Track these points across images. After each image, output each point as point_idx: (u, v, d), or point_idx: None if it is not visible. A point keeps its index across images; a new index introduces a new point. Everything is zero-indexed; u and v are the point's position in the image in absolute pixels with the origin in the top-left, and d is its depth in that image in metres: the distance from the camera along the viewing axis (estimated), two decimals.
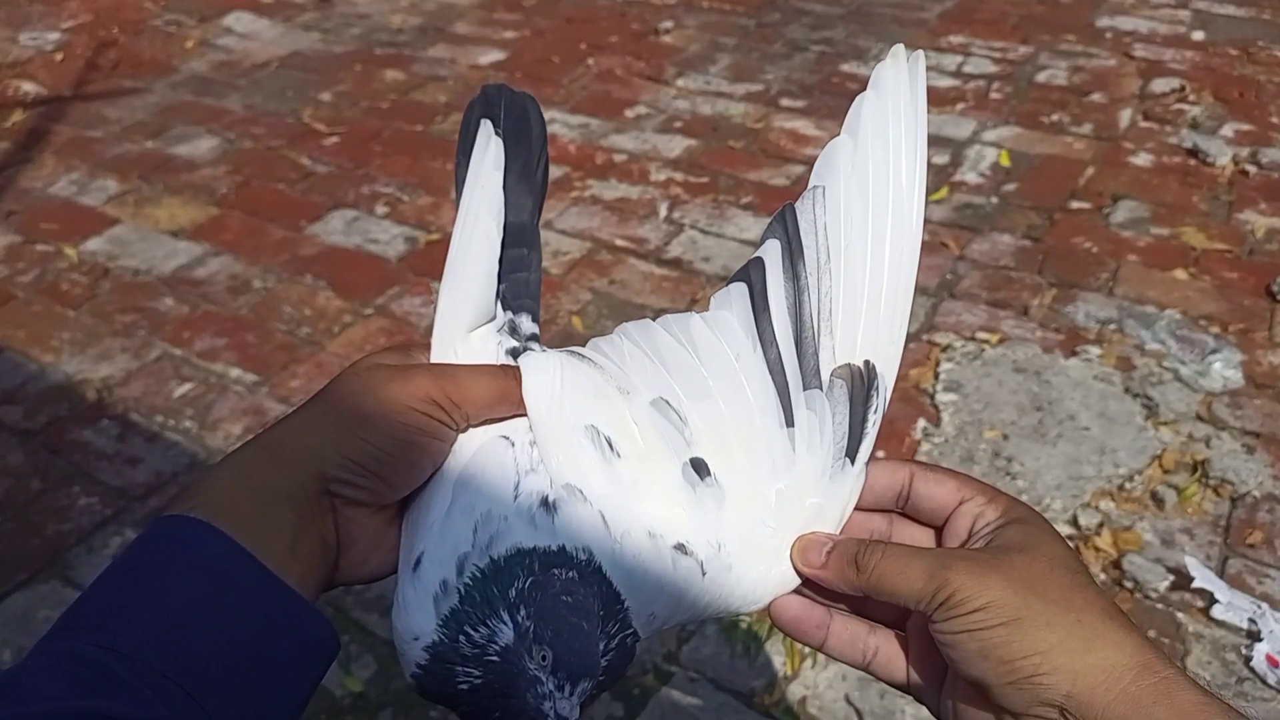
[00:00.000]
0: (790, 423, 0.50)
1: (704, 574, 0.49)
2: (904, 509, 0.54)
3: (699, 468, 0.50)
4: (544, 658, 0.44)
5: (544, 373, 0.52)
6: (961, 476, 0.53)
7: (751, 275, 0.53)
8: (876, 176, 0.54)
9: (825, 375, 0.51)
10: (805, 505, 0.50)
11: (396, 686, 1.45)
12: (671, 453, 0.50)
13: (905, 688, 0.53)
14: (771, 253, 0.53)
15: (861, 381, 0.52)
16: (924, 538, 0.54)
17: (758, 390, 0.51)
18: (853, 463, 0.51)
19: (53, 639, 0.41)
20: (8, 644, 1.51)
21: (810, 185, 0.54)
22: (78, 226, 2.51)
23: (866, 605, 0.53)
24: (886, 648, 0.52)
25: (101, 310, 2.22)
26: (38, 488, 1.77)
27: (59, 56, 3.45)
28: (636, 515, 0.49)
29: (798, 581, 0.51)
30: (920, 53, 0.57)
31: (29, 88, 3.24)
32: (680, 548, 0.49)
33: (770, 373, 0.51)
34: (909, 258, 0.54)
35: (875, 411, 0.52)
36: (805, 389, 0.51)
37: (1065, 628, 0.44)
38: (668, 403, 0.51)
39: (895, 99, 0.56)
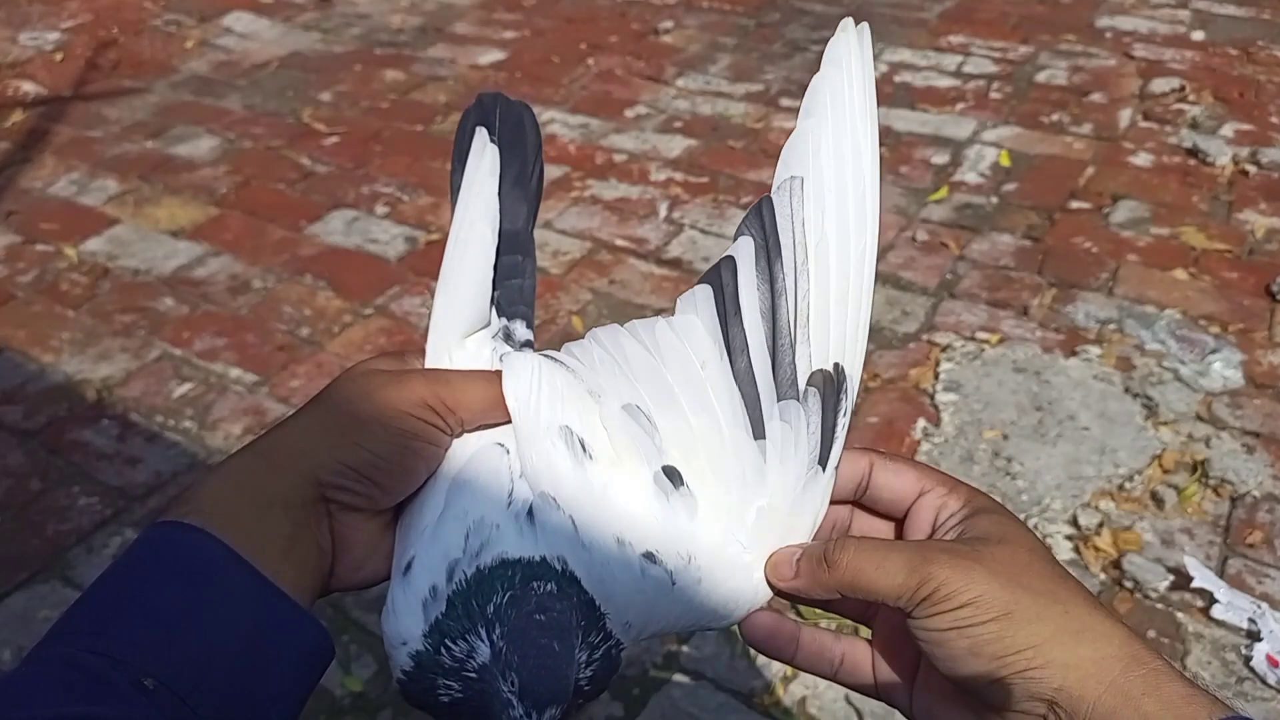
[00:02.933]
0: (761, 434, 0.49)
1: (673, 584, 0.48)
2: (861, 499, 0.53)
3: (672, 476, 0.49)
4: (513, 682, 0.44)
5: (521, 374, 0.51)
6: (921, 466, 0.52)
7: (722, 276, 0.51)
8: (843, 161, 0.52)
9: (802, 384, 0.49)
10: (778, 519, 0.49)
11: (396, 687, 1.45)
12: (643, 459, 0.49)
13: (874, 691, 0.52)
14: (744, 252, 0.51)
15: (832, 386, 0.50)
16: (883, 530, 0.53)
17: (724, 401, 0.49)
18: (824, 470, 0.49)
19: (47, 645, 0.41)
20: (8, 644, 1.51)
21: (787, 176, 0.52)
22: (78, 226, 2.51)
23: (833, 603, 0.52)
24: (853, 653, 0.51)
25: (101, 310, 2.22)
26: (38, 488, 1.77)
27: (59, 56, 3.45)
28: (605, 521, 0.48)
29: (769, 596, 0.50)
30: (865, 24, 0.54)
31: (29, 88, 3.24)
32: (649, 556, 0.48)
33: (739, 382, 0.49)
34: (871, 247, 0.52)
35: (844, 414, 0.50)
36: (780, 399, 0.49)
37: (1055, 620, 0.44)
38: (639, 408, 0.49)
39: (850, 74, 0.53)
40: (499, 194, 0.56)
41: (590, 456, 0.49)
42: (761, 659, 1.45)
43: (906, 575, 0.45)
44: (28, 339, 2.13)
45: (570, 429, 0.49)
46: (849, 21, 0.54)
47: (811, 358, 0.50)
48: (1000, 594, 0.44)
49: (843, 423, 0.50)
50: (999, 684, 0.44)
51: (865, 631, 0.54)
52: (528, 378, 0.51)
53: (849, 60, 0.53)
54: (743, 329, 0.50)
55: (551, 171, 2.66)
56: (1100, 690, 0.42)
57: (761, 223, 0.51)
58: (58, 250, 2.43)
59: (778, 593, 0.50)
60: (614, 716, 1.39)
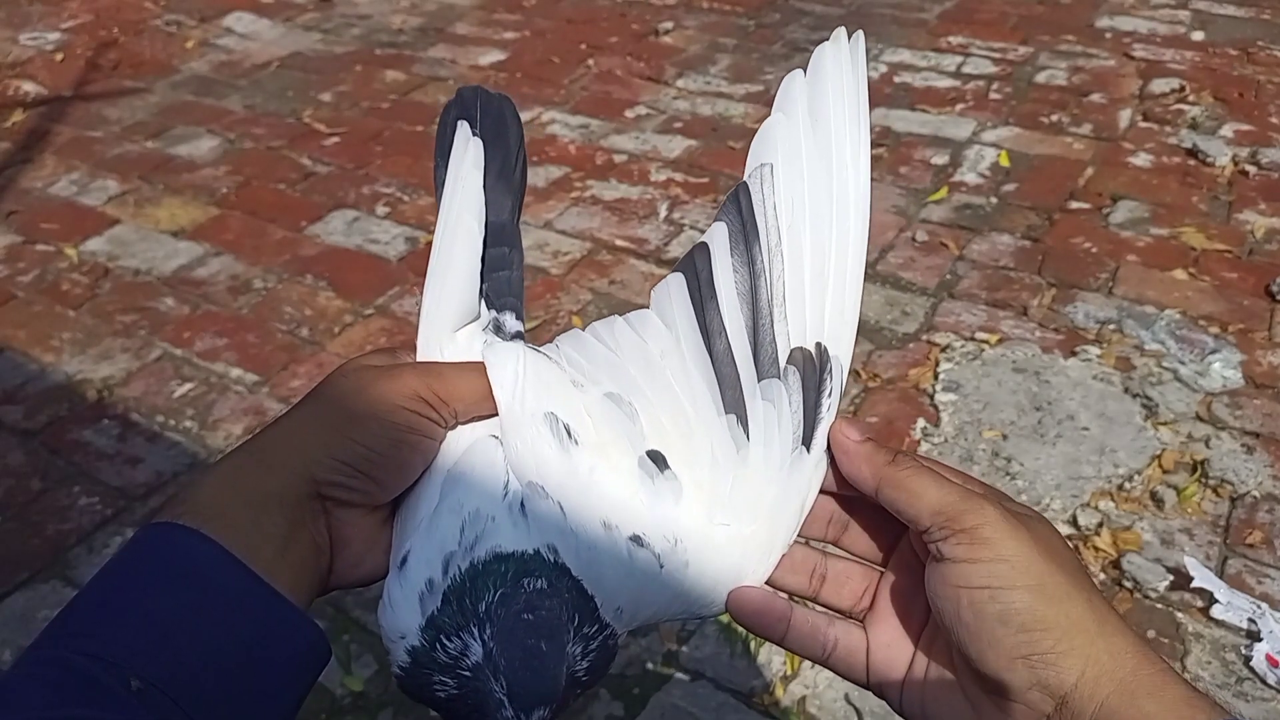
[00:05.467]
0: (738, 413, 0.49)
1: (661, 567, 0.48)
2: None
3: (656, 460, 0.49)
4: (503, 684, 0.44)
5: (506, 362, 0.51)
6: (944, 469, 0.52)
7: (697, 262, 0.52)
8: (814, 154, 0.53)
9: (782, 362, 0.50)
10: (761, 499, 0.49)
11: (397, 686, 1.45)
12: (627, 444, 0.49)
13: (865, 682, 0.51)
14: (718, 237, 0.52)
15: (813, 365, 0.50)
16: (884, 527, 0.52)
17: (686, 385, 0.50)
18: (809, 450, 0.49)
19: (40, 647, 0.40)
20: (7, 644, 1.51)
21: (757, 163, 0.53)
22: (78, 226, 2.51)
23: (824, 591, 0.52)
24: (847, 640, 0.51)
25: (102, 310, 2.22)
26: (38, 488, 1.78)
27: (59, 56, 3.45)
28: (592, 505, 0.48)
29: (759, 579, 0.50)
30: (860, 33, 0.56)
31: (29, 88, 3.24)
32: (636, 539, 0.48)
33: (716, 363, 0.50)
34: (857, 235, 0.53)
35: (830, 395, 0.50)
36: (763, 378, 0.50)
37: (1083, 603, 0.44)
38: (620, 396, 0.50)
39: (836, 75, 0.54)
40: (484, 186, 0.56)
41: (576, 442, 0.49)
42: (761, 658, 1.45)
43: (960, 498, 0.45)
44: (28, 339, 2.13)
45: (556, 415, 0.49)
46: (841, 31, 0.55)
47: (790, 336, 0.50)
48: (1037, 562, 0.44)
49: (828, 403, 0.50)
50: (1018, 663, 0.43)
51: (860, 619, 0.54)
52: (512, 366, 0.51)
53: (833, 64, 0.54)
54: (719, 312, 0.50)
55: (551, 172, 2.67)
56: (1109, 689, 0.42)
57: (739, 208, 0.52)
58: (58, 250, 2.43)
59: (832, 457, 0.50)
60: (614, 716, 1.40)
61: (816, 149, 0.53)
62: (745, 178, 0.53)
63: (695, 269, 0.51)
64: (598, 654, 0.47)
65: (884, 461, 0.48)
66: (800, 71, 0.54)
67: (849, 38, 0.55)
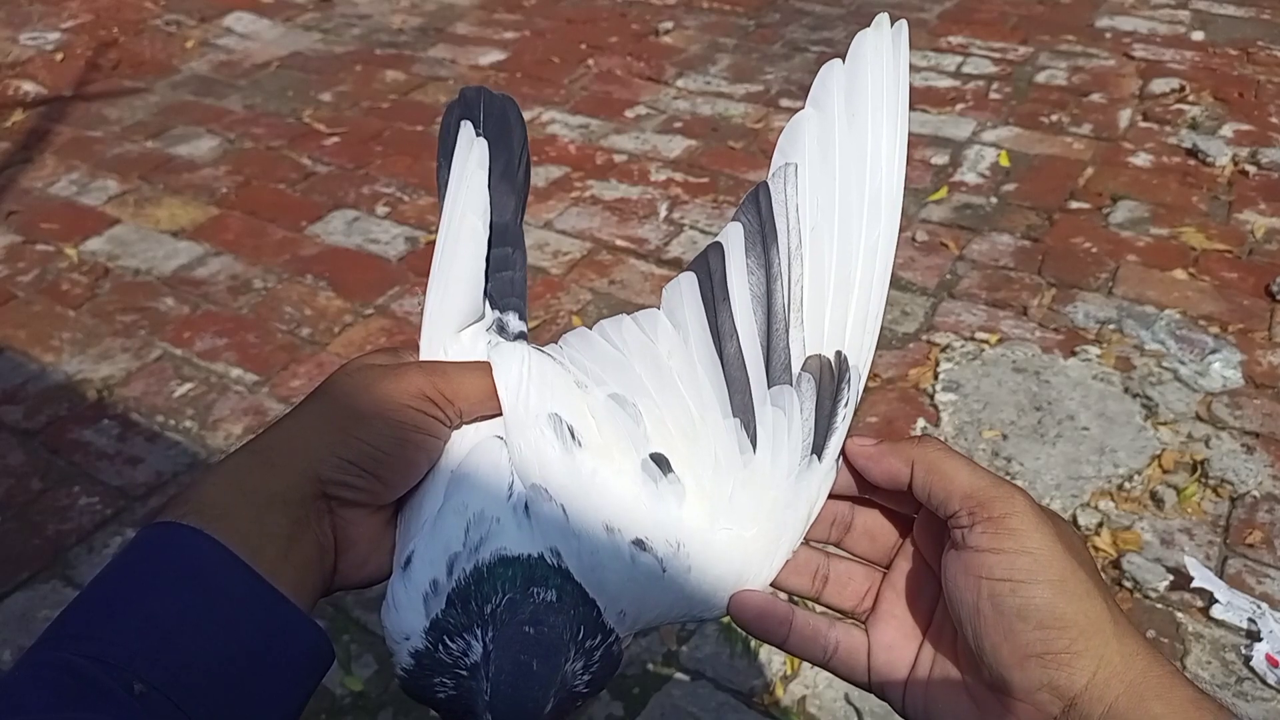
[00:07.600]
0: (745, 418, 0.49)
1: (664, 571, 0.47)
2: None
3: (660, 463, 0.48)
4: (488, 692, 0.43)
5: (511, 363, 0.51)
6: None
7: (710, 262, 0.51)
8: (849, 152, 0.51)
9: (796, 369, 0.49)
10: (766, 505, 0.48)
11: (397, 686, 1.45)
12: (630, 446, 0.49)
13: (866, 683, 0.51)
14: (734, 238, 0.50)
15: (831, 374, 0.50)
16: (888, 531, 0.52)
17: (692, 387, 0.49)
18: (820, 459, 0.49)
19: (40, 649, 0.40)
20: (8, 644, 1.51)
21: (782, 162, 0.51)
22: (78, 226, 2.51)
23: (827, 592, 0.52)
24: (848, 641, 0.51)
25: (102, 310, 2.22)
26: (38, 487, 1.78)
27: (59, 56, 3.45)
28: (595, 508, 0.48)
29: (761, 583, 0.50)
30: (904, 22, 0.53)
31: (29, 88, 3.24)
32: (639, 543, 0.47)
33: (725, 366, 0.49)
34: (887, 240, 0.51)
35: (845, 405, 0.49)
36: (774, 384, 0.49)
37: (1102, 601, 0.43)
38: (624, 397, 0.50)
39: (876, 69, 0.52)
40: (488, 187, 0.56)
41: (579, 444, 0.49)
42: (761, 658, 1.45)
43: (991, 484, 0.45)
44: (28, 339, 2.13)
45: (559, 416, 0.49)
46: (884, 17, 0.53)
47: (806, 343, 0.49)
48: (1060, 559, 0.43)
49: (843, 413, 0.49)
50: (1031, 661, 0.43)
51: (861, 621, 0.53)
52: (517, 367, 0.51)
53: (874, 53, 0.52)
54: (731, 314, 0.50)
55: (551, 171, 2.67)
56: (1119, 691, 0.42)
57: (758, 208, 0.51)
58: (58, 250, 2.43)
59: (848, 462, 0.50)
60: (614, 715, 1.40)
61: (852, 145, 0.51)
62: (768, 177, 0.51)
63: (708, 269, 0.51)
64: (601, 665, 0.46)
65: (911, 445, 0.48)
66: (838, 61, 0.52)
67: (891, 25, 0.53)
